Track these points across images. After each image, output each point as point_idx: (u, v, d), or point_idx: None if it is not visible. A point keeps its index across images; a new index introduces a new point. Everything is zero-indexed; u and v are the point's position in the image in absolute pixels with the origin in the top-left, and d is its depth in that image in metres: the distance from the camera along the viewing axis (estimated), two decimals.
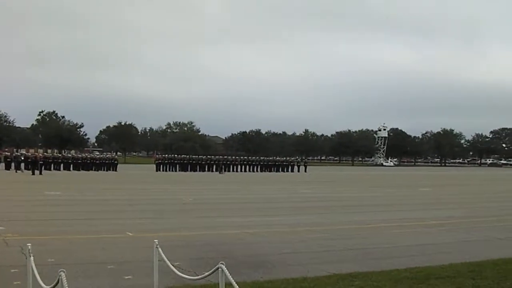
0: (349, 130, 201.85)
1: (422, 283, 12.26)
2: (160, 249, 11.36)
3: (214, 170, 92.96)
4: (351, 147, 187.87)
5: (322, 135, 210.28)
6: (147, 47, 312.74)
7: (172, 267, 10.79)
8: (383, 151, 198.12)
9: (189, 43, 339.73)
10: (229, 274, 8.69)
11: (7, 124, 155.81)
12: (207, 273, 9.68)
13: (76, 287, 11.01)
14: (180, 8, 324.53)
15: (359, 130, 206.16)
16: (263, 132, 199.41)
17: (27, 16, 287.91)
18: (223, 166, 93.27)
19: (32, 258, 10.36)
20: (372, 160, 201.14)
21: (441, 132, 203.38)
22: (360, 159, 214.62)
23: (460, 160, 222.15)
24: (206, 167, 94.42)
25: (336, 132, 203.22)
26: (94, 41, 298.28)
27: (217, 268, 9.05)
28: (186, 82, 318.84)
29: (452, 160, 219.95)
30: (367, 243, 19.04)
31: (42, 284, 9.39)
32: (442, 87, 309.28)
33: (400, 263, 14.80)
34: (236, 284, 8.37)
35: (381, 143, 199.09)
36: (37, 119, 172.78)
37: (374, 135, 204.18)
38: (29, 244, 10.59)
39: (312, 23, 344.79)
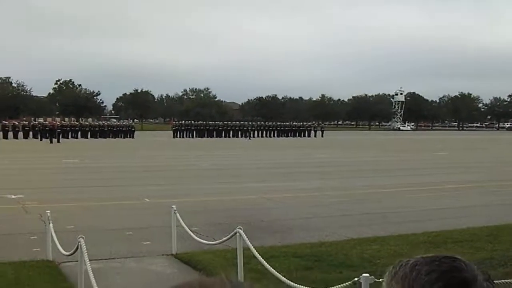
0: (366, 95, 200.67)
1: (439, 247, 12.27)
2: (178, 215, 11.43)
3: (231, 135, 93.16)
4: (367, 112, 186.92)
5: (339, 99, 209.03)
6: (160, 13, 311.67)
7: (190, 232, 10.88)
8: (400, 115, 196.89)
9: (202, 10, 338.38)
10: (246, 238, 8.75)
11: (24, 93, 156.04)
12: (225, 238, 9.75)
13: (95, 253, 11.08)
14: None
15: (375, 95, 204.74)
16: (279, 98, 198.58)
17: None
18: (251, 132, 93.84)
19: (51, 225, 10.46)
20: (389, 125, 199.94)
21: (459, 96, 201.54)
22: (377, 123, 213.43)
23: (478, 124, 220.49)
24: (223, 133, 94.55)
25: (353, 97, 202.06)
26: (110, 10, 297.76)
27: (235, 233, 9.11)
28: (201, 49, 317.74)
29: (469, 124, 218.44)
30: (385, 207, 19.06)
31: (62, 250, 9.48)
32: (459, 51, 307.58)
33: (417, 227, 14.81)
34: (254, 249, 8.42)
35: (398, 107, 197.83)
36: (54, 88, 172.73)
37: (391, 99, 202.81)
38: (48, 211, 10.68)
39: None
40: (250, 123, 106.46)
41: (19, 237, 13.58)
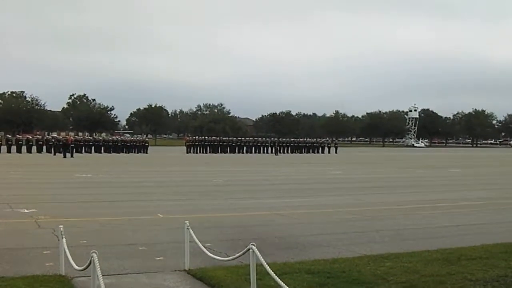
0: (380, 111, 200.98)
1: (453, 264, 12.19)
2: (191, 231, 11.41)
3: (244, 151, 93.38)
4: (381, 128, 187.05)
5: (353, 116, 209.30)
6: (176, 29, 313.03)
7: (203, 248, 10.85)
8: (414, 132, 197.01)
9: (216, 25, 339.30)
10: (260, 255, 8.71)
11: (38, 107, 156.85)
12: (238, 254, 9.71)
13: (108, 268, 11.07)
14: None
15: (389, 111, 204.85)
16: (293, 114, 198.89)
17: None
18: (278, 148, 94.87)
19: (64, 239, 10.45)
20: (403, 141, 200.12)
21: (473, 113, 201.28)
22: (391, 140, 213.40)
23: (492, 141, 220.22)
24: (237, 148, 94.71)
25: (367, 113, 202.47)
26: (125, 25, 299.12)
27: (248, 249, 9.08)
28: (215, 64, 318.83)
29: (483, 141, 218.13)
30: (398, 224, 18.98)
31: (75, 265, 9.47)
32: (473, 67, 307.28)
33: (431, 244, 14.72)
34: (267, 265, 8.38)
35: (412, 124, 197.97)
36: (68, 103, 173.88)
37: (405, 116, 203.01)
38: (61, 225, 10.68)
39: (341, 3, 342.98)
40: (264, 139, 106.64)
41: (31, 252, 13.57)
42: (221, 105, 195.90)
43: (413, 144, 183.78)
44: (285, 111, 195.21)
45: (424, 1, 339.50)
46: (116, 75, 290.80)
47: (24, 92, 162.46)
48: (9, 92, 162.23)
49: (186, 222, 11.66)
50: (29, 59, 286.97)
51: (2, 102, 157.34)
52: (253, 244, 9.05)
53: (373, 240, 15.89)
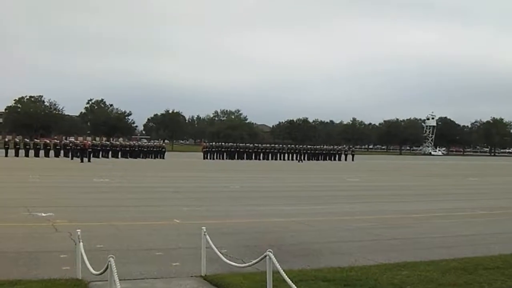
0: (397, 119, 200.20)
1: (470, 274, 12.13)
2: (207, 236, 11.42)
3: (261, 158, 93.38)
4: (399, 136, 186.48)
5: (370, 123, 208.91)
6: (193, 35, 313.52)
7: (219, 254, 10.85)
8: (432, 140, 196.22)
9: (234, 31, 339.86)
10: (276, 262, 8.71)
11: (56, 112, 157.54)
12: (254, 261, 9.70)
13: (124, 273, 11.09)
14: None
15: (407, 119, 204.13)
16: (310, 121, 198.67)
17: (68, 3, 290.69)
18: (302, 155, 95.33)
19: (81, 243, 10.48)
20: (420, 149, 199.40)
21: (491, 121, 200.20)
22: (408, 148, 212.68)
23: (510, 150, 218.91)
24: (253, 155, 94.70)
25: (384, 121, 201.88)
26: (143, 30, 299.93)
27: (265, 256, 9.07)
28: (233, 70, 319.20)
29: (501, 150, 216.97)
30: (415, 232, 18.91)
31: (91, 269, 9.49)
32: (491, 75, 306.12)
33: (448, 253, 14.67)
34: (283, 272, 8.37)
35: (429, 132, 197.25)
36: (85, 107, 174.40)
37: (422, 124, 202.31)
38: (79, 230, 10.71)
39: (358, 10, 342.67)
40: (281, 145, 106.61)
41: (48, 255, 13.62)
42: (238, 111, 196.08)
43: (430, 153, 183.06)
44: (302, 118, 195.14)
45: (440, 7, 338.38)
46: (134, 80, 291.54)
47: (42, 96, 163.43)
48: (28, 97, 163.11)
49: (203, 228, 11.67)
50: (47, 64, 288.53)
51: (20, 106, 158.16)
52: (270, 251, 9.04)
53: (390, 248, 15.84)
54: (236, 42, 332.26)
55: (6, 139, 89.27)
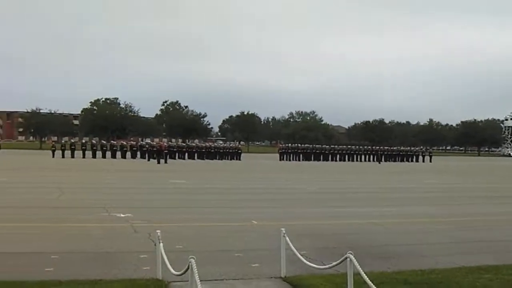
0: (475, 120, 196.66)
1: None
2: (287, 238, 11.37)
3: (337, 159, 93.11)
4: (476, 137, 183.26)
5: (447, 124, 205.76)
6: (268, 36, 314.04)
7: (299, 255, 10.80)
8: (511, 141, 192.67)
9: (309, 32, 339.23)
10: (357, 264, 8.61)
11: (132, 114, 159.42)
12: (335, 263, 9.63)
13: (204, 273, 11.11)
14: None
15: (485, 120, 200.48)
16: (386, 122, 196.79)
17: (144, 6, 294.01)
18: (381, 156, 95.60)
19: (161, 244, 10.55)
20: (499, 151, 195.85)
21: None
22: (486, 149, 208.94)
23: None
24: (330, 156, 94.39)
25: (461, 122, 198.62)
26: (217, 32, 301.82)
27: (346, 258, 8.99)
28: (308, 72, 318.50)
29: None
30: (495, 235, 18.51)
31: (172, 270, 9.54)
32: None
33: None
34: (364, 274, 8.28)
35: (508, 133, 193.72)
36: (161, 109, 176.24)
37: (501, 124, 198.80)
38: (159, 230, 10.78)
39: (435, 12, 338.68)
40: (357, 147, 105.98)
41: (128, 256, 13.76)
42: (313, 112, 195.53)
43: (509, 154, 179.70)
44: (378, 119, 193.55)
45: None
46: (209, 81, 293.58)
47: (118, 98, 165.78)
48: (103, 99, 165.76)
49: (282, 229, 11.64)
50: (123, 66, 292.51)
51: (96, 108, 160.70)
52: (350, 253, 8.96)
53: (470, 251, 15.55)
54: (311, 44, 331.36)
55: (83, 141, 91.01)
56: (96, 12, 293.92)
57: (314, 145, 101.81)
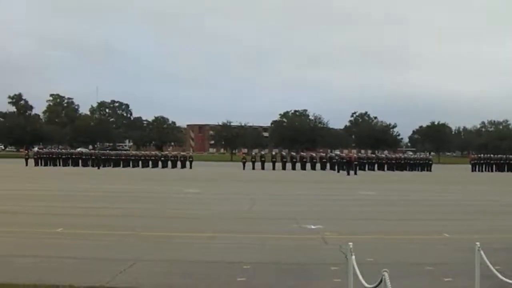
0: None
1: None
2: (482, 252, 11.04)
3: None
4: None
5: None
6: (454, 44, 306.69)
7: (494, 270, 10.45)
8: None
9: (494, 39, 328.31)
10: None
11: (322, 125, 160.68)
12: None
13: (397, 286, 10.97)
14: None
15: None
16: None
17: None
18: None
19: (353, 256, 10.52)
20: None
21: None
22: None
23: None
24: None
25: None
26: (402, 41, 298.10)
27: None
28: (500, 79, 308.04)
29: None
30: None
31: (364, 283, 9.48)
32: None
33: None
34: None
35: None
36: (350, 120, 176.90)
37: None
38: (351, 243, 10.76)
39: None
40: None
41: (320, 268, 13.86)
42: (507, 121, 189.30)
43: None
44: None
45: None
46: (398, 92, 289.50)
47: (307, 110, 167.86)
48: (293, 111, 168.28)
49: (477, 243, 11.30)
50: (312, 79, 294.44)
51: (286, 120, 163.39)
52: None
53: None
54: (491, 51, 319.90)
55: (273, 153, 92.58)
56: (296, 24, 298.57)
57: (507, 156, 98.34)
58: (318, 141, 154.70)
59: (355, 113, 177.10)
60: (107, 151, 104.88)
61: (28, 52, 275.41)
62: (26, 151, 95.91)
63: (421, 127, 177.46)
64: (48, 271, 13.07)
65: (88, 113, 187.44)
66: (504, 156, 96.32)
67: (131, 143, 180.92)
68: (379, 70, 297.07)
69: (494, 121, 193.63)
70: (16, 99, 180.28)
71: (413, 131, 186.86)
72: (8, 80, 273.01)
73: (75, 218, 23.07)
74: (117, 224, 21.32)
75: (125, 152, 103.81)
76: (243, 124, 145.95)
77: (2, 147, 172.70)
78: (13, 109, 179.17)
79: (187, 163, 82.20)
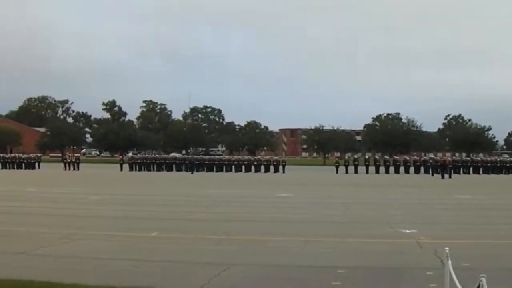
0: None
1: None
2: None
3: None
4: None
5: None
6: None
7: None
8: None
9: None
10: None
11: (415, 128, 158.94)
12: None
13: None
14: None
15: None
16: None
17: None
18: None
19: (449, 261, 10.43)
20: None
21: None
22: None
23: None
24: None
25: None
26: (502, 41, 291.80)
27: None
28: None
29: None
30: None
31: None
32: None
33: None
34: None
35: None
36: (443, 123, 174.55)
37: None
38: (447, 248, 10.69)
39: None
40: None
41: (414, 272, 13.79)
42: None
43: None
44: None
45: None
46: (493, 94, 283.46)
47: (399, 113, 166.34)
48: (386, 114, 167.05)
49: None
50: (403, 80, 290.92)
51: (378, 124, 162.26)
52: None
53: None
54: None
55: (366, 157, 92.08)
56: (391, 24, 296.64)
57: None
58: (411, 145, 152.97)
59: (448, 115, 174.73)
60: (200, 156, 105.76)
61: (120, 59, 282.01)
62: (121, 157, 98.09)
63: None
64: (143, 275, 13.34)
65: (181, 118, 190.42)
66: None
67: (224, 148, 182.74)
68: (474, 71, 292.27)
69: None
70: (110, 106, 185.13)
71: (509, 133, 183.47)
72: (102, 88, 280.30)
73: (169, 222, 23.53)
74: (210, 228, 21.59)
75: (218, 157, 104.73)
76: (335, 128, 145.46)
77: (97, 152, 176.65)
78: (107, 115, 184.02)
79: (280, 167, 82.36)
